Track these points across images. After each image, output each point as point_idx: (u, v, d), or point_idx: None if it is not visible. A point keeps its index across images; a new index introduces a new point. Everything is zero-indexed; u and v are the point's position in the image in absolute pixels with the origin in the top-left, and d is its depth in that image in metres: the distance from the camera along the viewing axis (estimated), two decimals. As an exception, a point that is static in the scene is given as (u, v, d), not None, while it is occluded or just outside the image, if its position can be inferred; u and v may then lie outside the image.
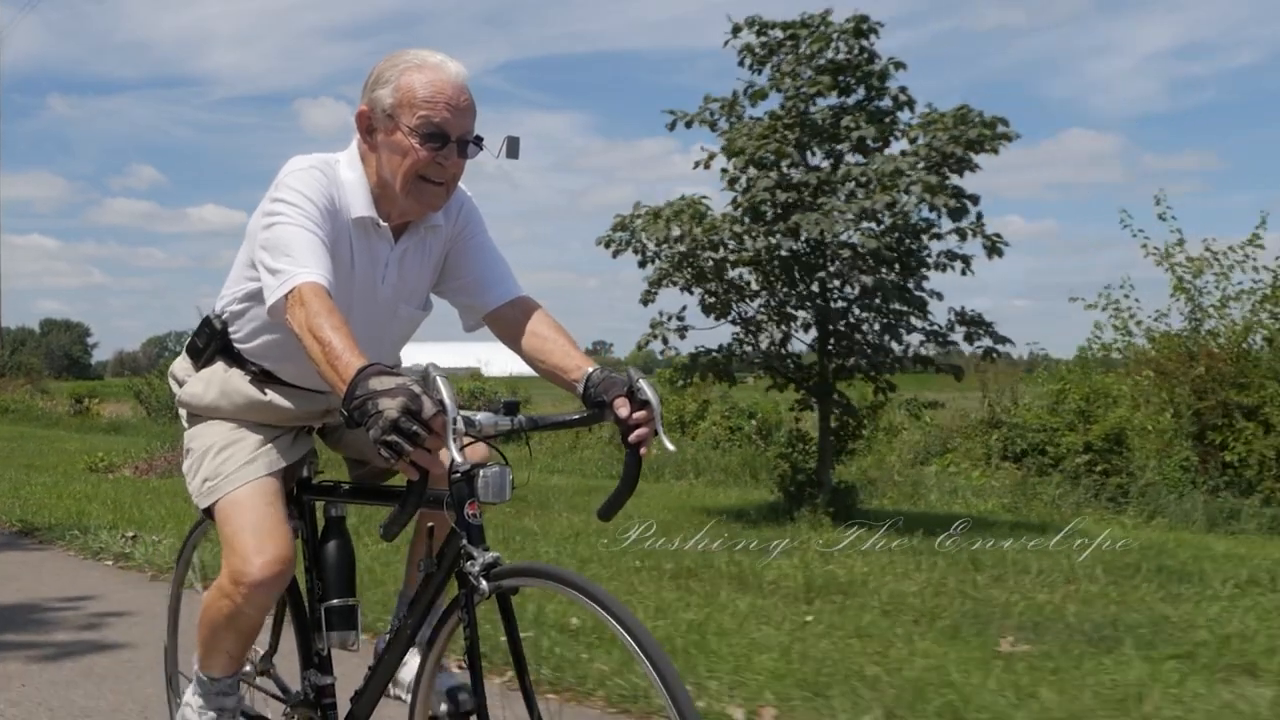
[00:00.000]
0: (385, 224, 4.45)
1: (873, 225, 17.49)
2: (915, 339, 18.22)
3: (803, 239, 17.33)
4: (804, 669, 7.68)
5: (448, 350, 71.53)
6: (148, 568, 12.48)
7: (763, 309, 18.37)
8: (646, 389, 4.07)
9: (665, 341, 18.28)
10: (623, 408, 4.06)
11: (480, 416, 3.91)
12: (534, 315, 4.59)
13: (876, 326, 18.12)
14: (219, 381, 4.77)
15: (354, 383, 3.59)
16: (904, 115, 18.38)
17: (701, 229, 17.37)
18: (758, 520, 17.18)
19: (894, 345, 17.94)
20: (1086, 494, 22.03)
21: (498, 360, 68.75)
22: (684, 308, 18.39)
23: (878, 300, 17.77)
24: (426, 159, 4.26)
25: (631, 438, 4.06)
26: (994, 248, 17.57)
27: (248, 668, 4.98)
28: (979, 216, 17.50)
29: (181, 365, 4.95)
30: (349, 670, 4.81)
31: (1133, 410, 24.29)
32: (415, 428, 3.47)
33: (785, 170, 17.88)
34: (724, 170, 18.25)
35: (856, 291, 17.89)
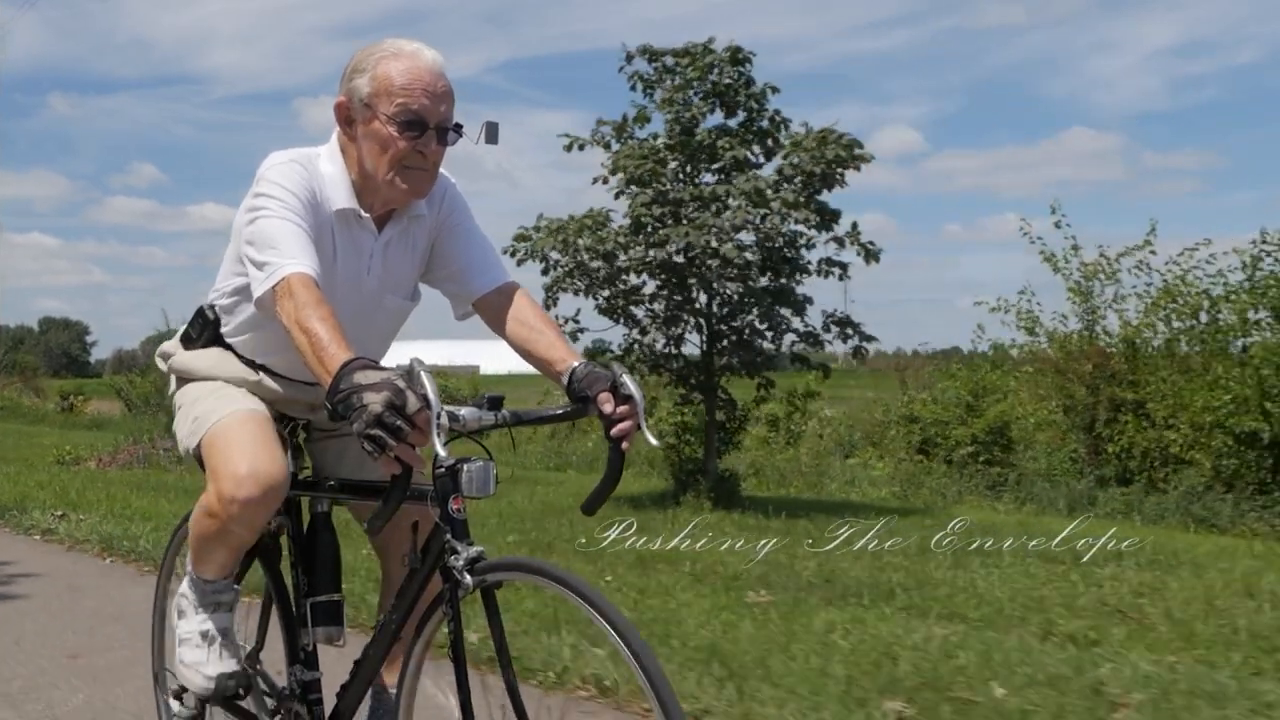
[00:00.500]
0: (367, 215, 4.08)
1: (740, 239, 17.96)
2: (798, 338, 18.75)
3: (674, 249, 17.63)
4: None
5: (455, 347, 68.77)
6: (67, 540, 12.84)
7: (650, 313, 18.59)
8: (630, 384, 3.73)
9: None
10: (606, 403, 3.72)
11: (464, 411, 3.56)
12: (521, 304, 4.22)
13: (761, 327, 18.49)
14: (212, 357, 4.42)
15: (339, 376, 3.32)
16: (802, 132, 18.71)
17: (591, 240, 17.79)
18: (649, 506, 17.30)
19: (768, 345, 18.47)
20: (970, 482, 22.01)
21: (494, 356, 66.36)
22: (579, 310, 18.86)
23: (751, 304, 18.24)
24: (406, 148, 3.90)
25: (614, 432, 3.72)
26: (869, 254, 18.19)
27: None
28: (854, 226, 18.23)
29: (172, 345, 4.58)
30: (335, 665, 4.38)
31: (1015, 405, 24.53)
32: (399, 422, 3.21)
33: (663, 187, 18.31)
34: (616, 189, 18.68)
35: (731, 297, 18.36)
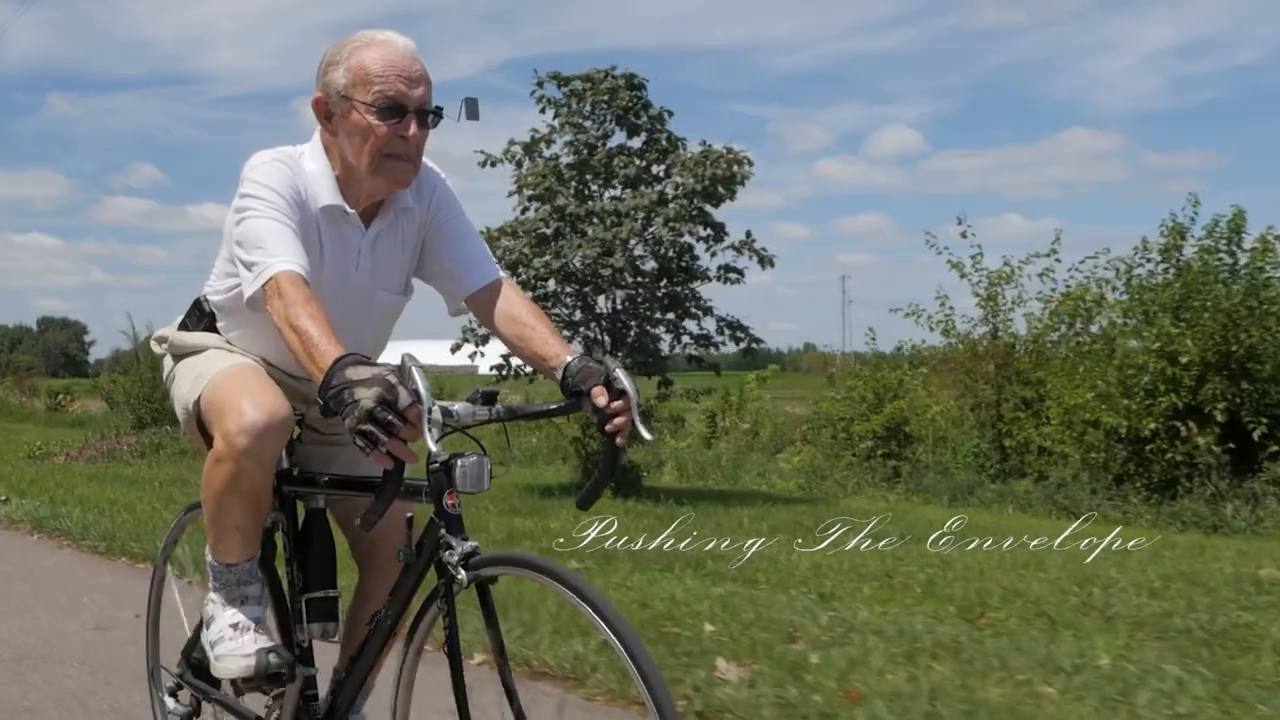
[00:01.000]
0: (354, 211, 3.75)
1: (633, 250, 18.45)
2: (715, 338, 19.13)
3: (573, 260, 18.13)
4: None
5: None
6: (4, 521, 13.10)
7: (556, 318, 18.54)
8: (623, 379, 3.44)
9: (476, 344, 18.87)
10: (600, 397, 3.42)
11: (458, 407, 3.30)
12: (513, 300, 3.88)
13: (657, 331, 18.89)
14: (211, 336, 4.07)
15: (330, 372, 3.09)
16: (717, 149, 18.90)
17: (500, 251, 17.93)
18: (558, 494, 17.42)
19: (662, 347, 18.88)
20: (869, 475, 22.04)
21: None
22: None
23: (647, 309, 18.74)
24: (387, 134, 3.57)
25: (608, 427, 3.42)
26: (764, 260, 18.74)
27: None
28: (748, 234, 18.77)
29: (170, 331, 4.20)
30: (330, 661, 4.01)
31: (915, 402, 24.56)
32: (390, 417, 2.98)
33: (562, 203, 18.65)
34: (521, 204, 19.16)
35: (627, 303, 18.79)
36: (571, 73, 19.09)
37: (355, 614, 4.15)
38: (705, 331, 18.89)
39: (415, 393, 3.02)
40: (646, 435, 3.50)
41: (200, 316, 4.07)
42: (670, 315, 18.79)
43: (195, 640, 4.30)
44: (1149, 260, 20.41)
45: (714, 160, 18.11)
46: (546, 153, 19.05)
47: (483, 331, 18.39)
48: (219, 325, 4.03)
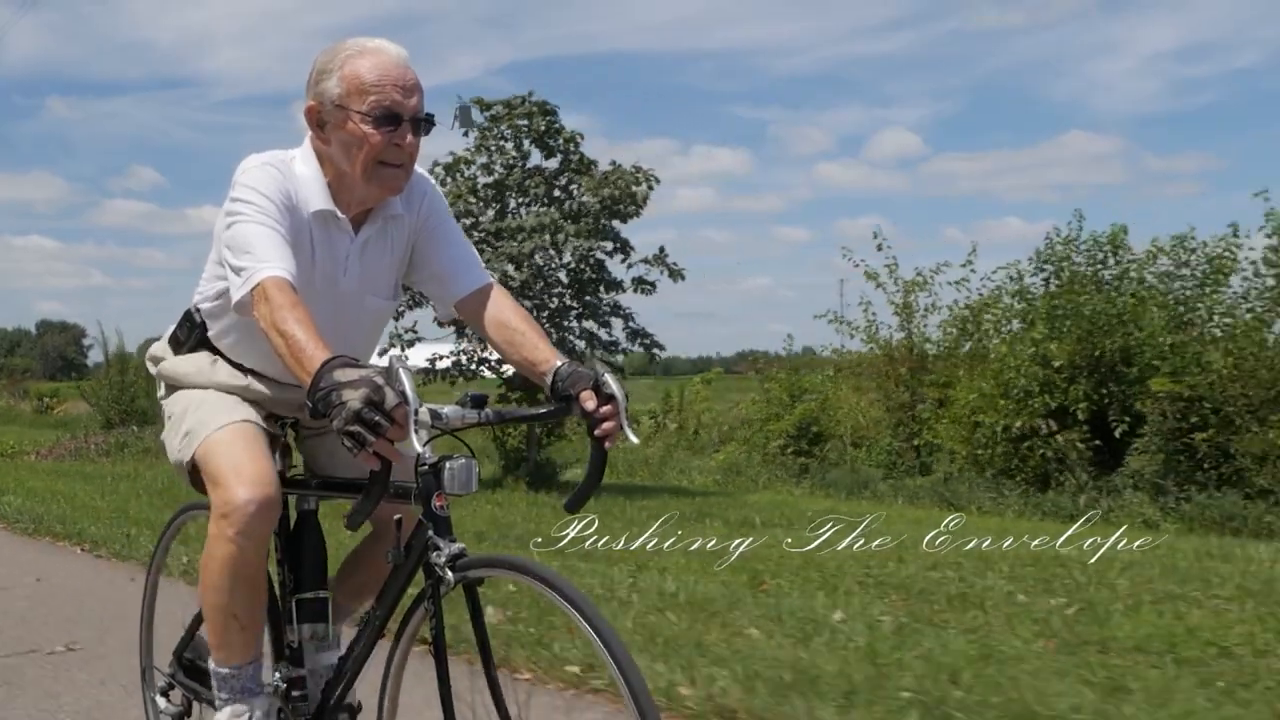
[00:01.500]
0: (344, 216, 3.46)
1: (531, 265, 18.63)
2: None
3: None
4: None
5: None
6: None
7: None
8: (612, 383, 3.21)
9: (401, 349, 18.85)
10: (589, 401, 3.18)
11: (447, 409, 3.05)
12: (502, 305, 3.59)
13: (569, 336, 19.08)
14: (199, 362, 3.72)
15: (318, 375, 2.87)
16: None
17: None
18: (481, 489, 16.60)
19: (578, 352, 18.90)
20: (780, 471, 21.95)
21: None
22: (415, 322, 19.31)
23: (558, 317, 19.04)
24: (382, 143, 3.29)
25: (597, 431, 3.19)
26: (674, 274, 19.17)
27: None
28: (661, 250, 19.04)
29: (161, 348, 3.87)
30: None
31: (824, 402, 24.60)
32: (377, 418, 2.78)
33: (476, 220, 19.04)
34: None
35: (531, 311, 18.50)
36: (493, 99, 19.33)
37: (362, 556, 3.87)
38: (614, 339, 19.32)
39: (402, 394, 2.81)
40: (634, 439, 3.25)
41: (192, 329, 3.75)
42: (587, 323, 19.16)
43: (187, 640, 4.03)
44: (1043, 270, 20.53)
45: (613, 180, 18.42)
46: (467, 173, 19.27)
47: (408, 337, 18.82)
48: (210, 334, 3.71)
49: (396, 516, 3.17)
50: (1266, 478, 16.66)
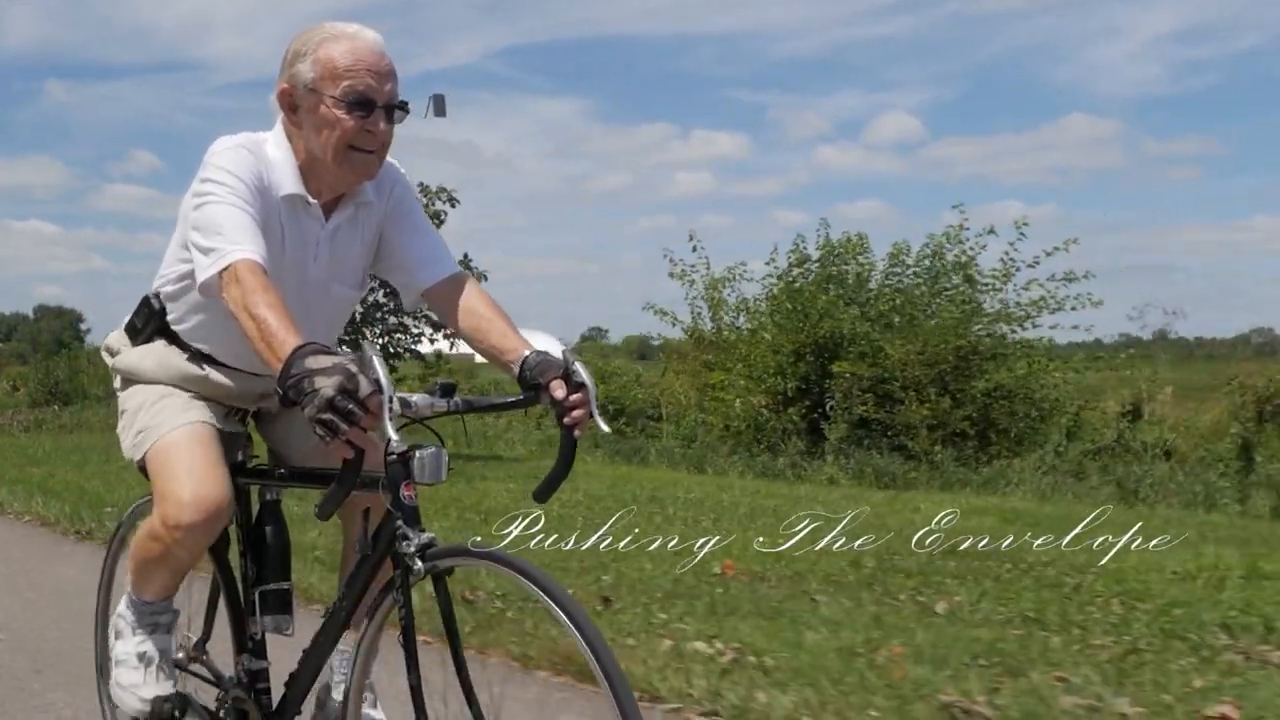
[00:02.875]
0: (315, 201, 2.69)
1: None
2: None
3: None
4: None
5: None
6: None
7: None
8: (582, 371, 2.52)
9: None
10: (558, 390, 2.49)
11: (416, 398, 2.40)
12: (471, 294, 2.80)
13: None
14: (157, 354, 2.87)
15: (290, 361, 2.23)
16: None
17: None
18: None
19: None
20: (614, 448, 20.59)
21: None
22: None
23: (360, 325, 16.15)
24: (355, 128, 2.57)
25: (567, 419, 2.50)
26: (479, 278, 17.33)
27: (180, 654, 3.00)
28: (465, 255, 16.43)
29: (117, 338, 2.99)
30: (283, 655, 2.85)
31: (624, 385, 23.47)
32: (351, 406, 2.15)
33: None
34: None
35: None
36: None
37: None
38: (421, 330, 16.56)
39: (376, 382, 2.20)
40: (604, 428, 2.58)
41: (150, 315, 2.90)
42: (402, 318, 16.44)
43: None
44: (793, 269, 19.31)
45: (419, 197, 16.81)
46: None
47: None
48: (169, 316, 2.87)
49: (365, 506, 2.48)
50: (922, 443, 16.51)
